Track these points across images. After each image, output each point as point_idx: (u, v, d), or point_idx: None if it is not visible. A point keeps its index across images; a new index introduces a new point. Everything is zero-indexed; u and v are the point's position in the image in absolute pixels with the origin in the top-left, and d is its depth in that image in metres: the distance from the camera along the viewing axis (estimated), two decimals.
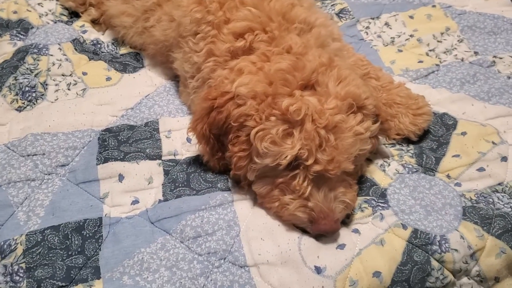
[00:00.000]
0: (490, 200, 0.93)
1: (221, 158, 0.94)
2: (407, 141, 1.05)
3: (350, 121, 0.84)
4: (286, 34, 0.94)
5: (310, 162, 0.83)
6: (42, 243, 0.86)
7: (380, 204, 0.93)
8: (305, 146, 0.82)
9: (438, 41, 1.25)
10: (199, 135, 0.93)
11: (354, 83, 0.87)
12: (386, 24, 1.30)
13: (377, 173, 0.98)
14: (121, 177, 0.97)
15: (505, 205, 0.92)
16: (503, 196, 0.93)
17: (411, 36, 1.27)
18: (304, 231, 0.87)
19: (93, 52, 1.27)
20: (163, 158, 1.01)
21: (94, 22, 1.34)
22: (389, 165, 1.00)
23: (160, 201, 0.93)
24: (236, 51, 0.96)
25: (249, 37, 0.95)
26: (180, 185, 0.96)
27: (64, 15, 1.38)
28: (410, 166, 0.99)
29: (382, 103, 1.05)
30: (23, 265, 0.84)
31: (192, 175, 0.98)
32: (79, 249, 0.86)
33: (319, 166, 0.83)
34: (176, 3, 1.08)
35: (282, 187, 0.87)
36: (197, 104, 0.95)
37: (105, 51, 1.29)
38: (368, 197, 0.94)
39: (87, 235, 0.88)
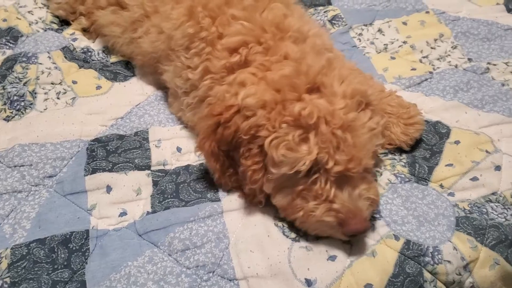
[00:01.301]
0: (484, 210, 0.91)
1: (233, 174, 0.91)
2: (400, 150, 1.03)
3: (362, 118, 0.83)
4: (281, 43, 0.93)
5: (330, 164, 0.81)
6: (27, 257, 0.85)
7: (372, 214, 0.91)
8: (323, 150, 0.80)
9: (431, 48, 1.24)
10: (207, 153, 0.90)
11: (357, 81, 0.87)
12: (379, 30, 1.29)
13: None
14: (109, 189, 0.96)
15: (499, 215, 0.91)
16: (496, 206, 0.92)
17: (404, 42, 1.25)
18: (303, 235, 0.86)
19: (83, 60, 1.26)
20: (152, 168, 1.00)
21: (85, 30, 1.33)
22: (381, 174, 0.99)
23: (148, 213, 0.92)
24: (232, 66, 0.94)
25: (244, 51, 0.93)
26: (169, 196, 0.94)
27: (55, 23, 1.36)
28: (403, 176, 0.98)
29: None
30: (7, 279, 0.82)
31: (181, 185, 0.96)
32: (65, 263, 0.84)
33: (340, 167, 0.81)
34: (165, 15, 1.06)
35: (304, 194, 0.85)
36: (200, 122, 0.93)
37: (96, 59, 1.27)
38: None
39: (74, 248, 0.87)
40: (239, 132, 0.86)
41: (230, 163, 0.90)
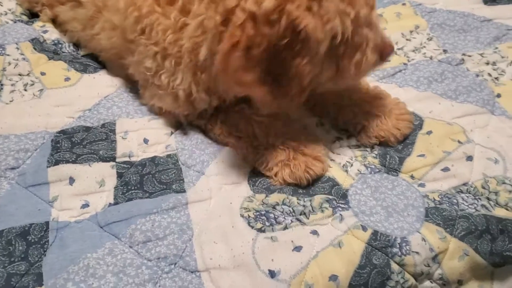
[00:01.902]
0: (454, 201, 0.90)
1: (280, 88, 0.85)
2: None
3: None
4: None
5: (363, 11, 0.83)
6: None
7: (340, 205, 0.89)
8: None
9: (407, 40, 1.22)
10: (253, 83, 0.82)
11: None
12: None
13: (339, 173, 0.95)
14: (71, 180, 0.93)
15: (469, 206, 0.89)
16: (467, 196, 0.90)
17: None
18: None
19: (53, 52, 1.23)
20: (117, 160, 0.97)
21: (55, 22, 1.30)
22: (351, 165, 0.97)
23: (110, 204, 0.90)
24: (182, 10, 0.92)
25: None
26: (132, 188, 0.92)
27: (25, 15, 1.34)
28: (373, 167, 0.96)
29: (363, 100, 1.03)
30: None
31: (146, 177, 0.94)
32: (22, 255, 0.82)
33: (369, 9, 0.84)
34: (113, 8, 1.04)
35: (348, 53, 0.86)
36: (220, 62, 0.82)
37: (66, 51, 1.25)
38: (330, 196, 0.91)
39: (32, 241, 0.84)
40: (274, 41, 0.78)
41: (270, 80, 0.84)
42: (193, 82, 0.95)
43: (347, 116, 1.02)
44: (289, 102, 0.88)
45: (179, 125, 1.06)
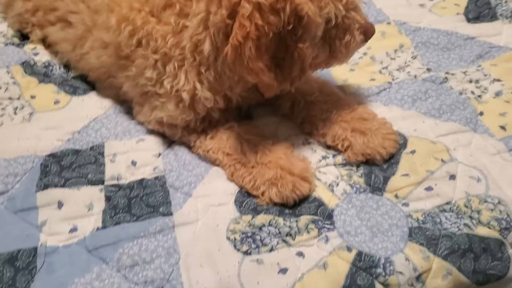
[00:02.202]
0: (438, 220, 0.91)
1: (282, 71, 0.93)
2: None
3: None
4: None
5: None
6: None
7: (326, 225, 0.91)
8: None
9: (391, 59, 1.24)
10: (263, 70, 0.88)
11: None
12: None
13: (325, 193, 0.96)
14: (60, 204, 0.95)
15: (452, 224, 0.90)
16: (450, 215, 0.92)
17: (365, 54, 1.26)
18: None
19: (44, 74, 1.25)
20: (105, 183, 0.99)
21: (45, 43, 1.32)
22: (337, 184, 0.98)
23: (98, 228, 0.91)
24: (180, 14, 0.96)
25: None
26: (120, 211, 0.93)
27: (16, 37, 1.36)
28: (358, 186, 0.97)
29: (352, 117, 1.05)
30: None
31: (134, 200, 0.95)
32: (10, 282, 0.83)
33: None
34: (104, 26, 1.06)
35: (339, 34, 0.95)
36: (232, 54, 0.87)
37: (57, 73, 1.27)
38: (316, 217, 0.92)
39: (20, 267, 0.85)
40: (280, 29, 0.86)
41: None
42: (198, 81, 0.98)
43: (335, 131, 1.04)
44: (290, 84, 0.96)
45: (167, 146, 1.08)
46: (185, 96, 0.98)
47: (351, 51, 1.01)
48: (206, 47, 0.93)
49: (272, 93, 0.98)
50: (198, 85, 0.98)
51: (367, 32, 1.00)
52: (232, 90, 1.01)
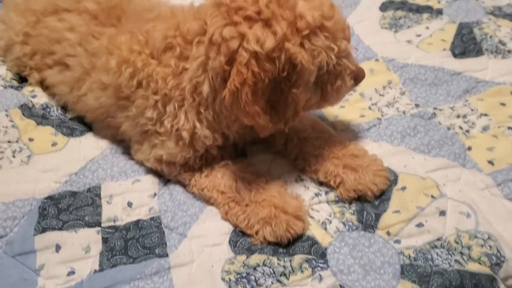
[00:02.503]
0: (429, 256, 0.93)
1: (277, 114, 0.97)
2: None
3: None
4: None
5: (342, 46, 0.96)
6: None
7: (320, 264, 0.92)
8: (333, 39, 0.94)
9: (380, 95, 1.27)
10: (259, 113, 0.92)
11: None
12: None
13: (319, 231, 0.98)
14: (58, 247, 0.96)
15: (444, 261, 0.92)
16: (441, 251, 0.93)
17: (354, 91, 1.28)
18: None
19: (42, 116, 1.28)
20: (102, 225, 1.00)
21: (43, 85, 1.35)
22: (330, 222, 1.00)
23: (95, 271, 0.92)
24: (180, 57, 1.00)
25: (174, 40, 1.00)
26: (117, 253, 0.95)
27: (15, 80, 1.39)
28: (351, 224, 0.99)
29: (343, 154, 1.07)
30: None
31: (130, 241, 0.97)
32: None
33: (345, 43, 0.97)
34: (103, 68, 1.10)
35: (331, 79, 1.00)
36: (231, 99, 0.92)
37: (54, 115, 1.29)
38: (309, 256, 0.94)
39: None
40: (275, 75, 0.90)
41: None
42: (197, 120, 1.01)
43: (327, 168, 1.06)
44: (284, 125, 1.00)
45: (162, 185, 1.10)
46: (185, 134, 1.02)
47: (342, 95, 1.05)
48: (205, 88, 0.97)
49: (267, 133, 1.02)
50: (197, 124, 1.01)
51: (358, 77, 1.04)
52: (230, 128, 1.04)
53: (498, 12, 1.53)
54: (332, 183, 1.06)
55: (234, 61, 0.90)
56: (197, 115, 1.01)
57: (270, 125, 0.96)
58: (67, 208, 1.03)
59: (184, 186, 1.09)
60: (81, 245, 0.97)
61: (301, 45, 0.90)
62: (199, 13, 0.98)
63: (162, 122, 1.04)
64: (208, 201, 1.05)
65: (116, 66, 1.06)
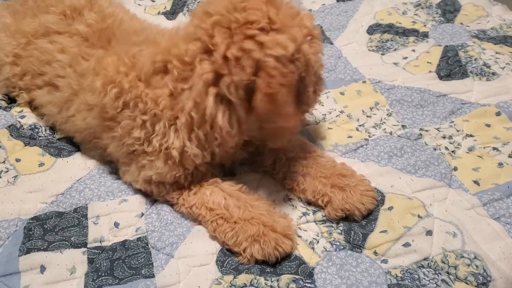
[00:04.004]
0: (416, 276, 0.93)
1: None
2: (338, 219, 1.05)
3: None
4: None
5: None
6: None
7: (307, 284, 0.92)
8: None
9: (367, 116, 1.29)
10: (292, 113, 0.98)
11: None
12: (318, 102, 1.34)
13: (306, 251, 0.98)
14: (42, 269, 0.95)
15: (431, 280, 0.92)
16: (428, 271, 0.94)
17: (342, 112, 1.30)
18: None
19: (29, 137, 1.27)
20: (88, 245, 1.00)
21: (31, 105, 1.35)
22: (317, 242, 1.00)
23: None
24: (177, 79, 1.00)
25: (169, 65, 1.01)
26: (103, 274, 0.94)
27: (4, 100, 1.39)
28: (338, 243, 0.99)
29: (332, 174, 1.08)
30: None
31: (116, 262, 0.96)
32: None
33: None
34: (89, 89, 1.11)
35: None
36: (264, 107, 0.94)
37: (43, 135, 1.29)
38: (296, 276, 0.93)
39: None
40: (297, 76, 0.97)
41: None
42: (188, 139, 1.01)
43: (315, 187, 1.07)
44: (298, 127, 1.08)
45: (150, 205, 1.09)
46: (175, 153, 1.02)
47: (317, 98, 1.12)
48: (209, 105, 0.97)
49: (281, 143, 1.06)
50: (187, 143, 1.01)
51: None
52: (224, 147, 1.04)
53: (482, 36, 1.56)
54: (320, 202, 1.06)
55: (259, 70, 0.93)
56: (189, 134, 1.01)
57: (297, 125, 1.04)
58: (52, 229, 1.02)
59: (171, 205, 1.09)
60: (66, 266, 0.96)
61: (311, 46, 0.99)
62: (194, 34, 0.99)
63: (151, 141, 1.04)
64: (196, 219, 1.05)
65: (101, 86, 1.06)
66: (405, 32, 1.60)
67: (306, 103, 1.05)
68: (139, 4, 1.87)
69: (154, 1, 1.89)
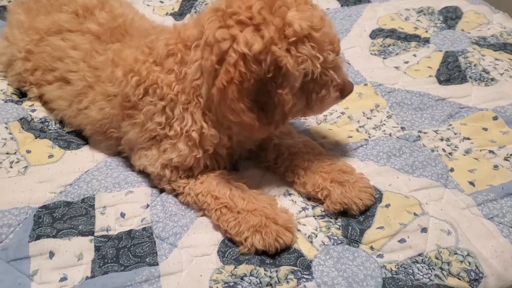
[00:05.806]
0: (410, 271, 0.96)
1: (265, 114, 1.02)
2: (336, 214, 1.08)
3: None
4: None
5: (329, 58, 1.01)
6: None
7: (304, 276, 0.95)
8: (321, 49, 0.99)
9: (367, 118, 1.32)
10: (244, 111, 0.98)
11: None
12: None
13: (305, 245, 1.02)
14: (51, 254, 0.99)
15: (424, 275, 0.95)
16: (422, 266, 0.97)
17: (342, 113, 1.34)
18: None
19: (40, 130, 1.32)
20: (95, 234, 1.03)
21: (41, 99, 1.39)
22: (316, 236, 1.03)
23: (87, 277, 0.95)
24: (181, 62, 1.06)
25: (175, 48, 1.07)
26: (109, 261, 0.98)
27: (15, 94, 1.43)
28: (336, 238, 1.03)
29: (332, 169, 1.12)
30: None
31: (122, 250, 1.00)
32: None
33: (332, 55, 1.01)
34: (109, 79, 1.15)
35: (316, 88, 1.04)
36: (221, 97, 0.98)
37: (52, 129, 1.33)
38: (295, 268, 0.97)
39: None
40: (261, 76, 0.96)
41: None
42: (203, 121, 1.07)
43: (316, 180, 1.11)
44: (275, 128, 1.06)
45: (155, 197, 1.13)
46: (194, 134, 1.07)
47: (326, 105, 1.10)
48: (203, 90, 1.04)
49: (259, 134, 1.08)
50: (204, 124, 1.07)
51: (344, 91, 1.09)
52: (231, 130, 1.09)
53: (482, 42, 1.60)
54: (319, 195, 1.10)
55: (223, 61, 0.97)
56: (203, 116, 1.07)
57: (257, 123, 1.00)
58: (61, 217, 1.06)
59: (176, 195, 1.13)
60: (74, 253, 0.99)
61: (287, 50, 0.96)
62: (199, 20, 1.05)
63: (172, 125, 1.09)
64: (201, 208, 1.09)
65: (122, 75, 1.12)
66: (407, 37, 1.64)
67: (282, 106, 1.01)
68: (147, 5, 1.92)
69: (162, 2, 1.94)
